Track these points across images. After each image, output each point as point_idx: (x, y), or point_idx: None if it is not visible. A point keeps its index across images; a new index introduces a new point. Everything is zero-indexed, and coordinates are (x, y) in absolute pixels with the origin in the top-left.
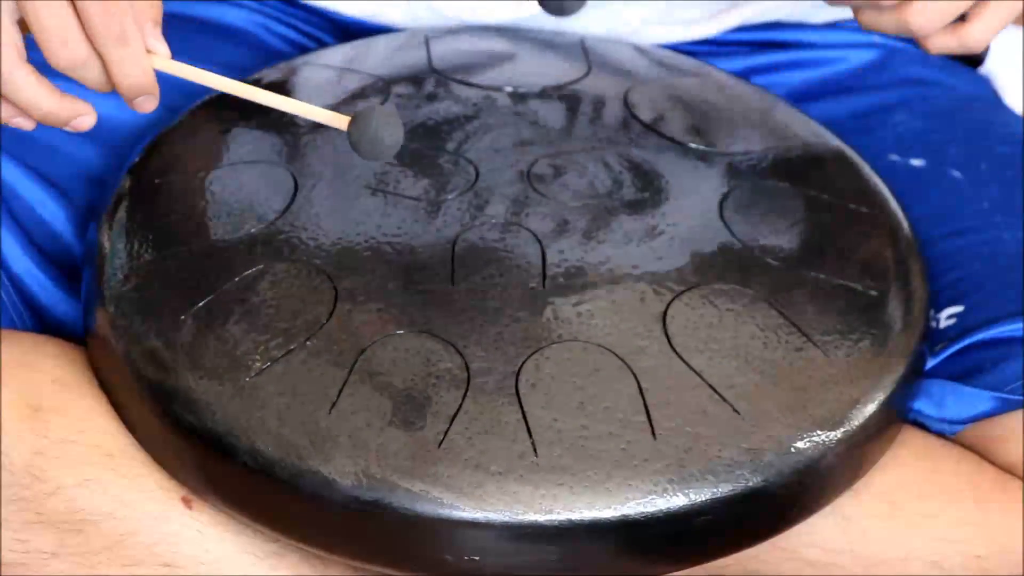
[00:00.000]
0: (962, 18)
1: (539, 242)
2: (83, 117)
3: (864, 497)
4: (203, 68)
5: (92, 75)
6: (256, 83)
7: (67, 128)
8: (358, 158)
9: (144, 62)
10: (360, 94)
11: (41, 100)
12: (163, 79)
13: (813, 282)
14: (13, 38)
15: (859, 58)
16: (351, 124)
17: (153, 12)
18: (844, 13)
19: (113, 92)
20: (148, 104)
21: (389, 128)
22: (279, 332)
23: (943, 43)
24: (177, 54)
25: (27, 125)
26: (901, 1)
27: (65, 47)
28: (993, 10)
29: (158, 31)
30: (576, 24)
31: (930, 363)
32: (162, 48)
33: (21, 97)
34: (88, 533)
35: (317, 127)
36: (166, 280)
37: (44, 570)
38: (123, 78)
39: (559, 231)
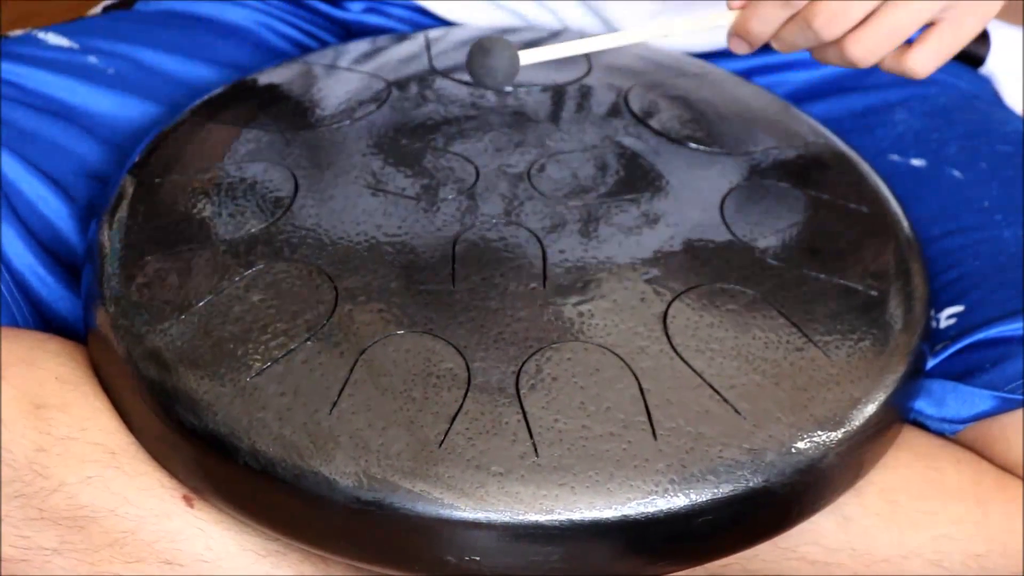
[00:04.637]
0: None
1: (540, 242)
2: None
3: (865, 496)
4: (196, 65)
5: None
6: (251, 83)
7: None
8: (359, 157)
9: None
10: (361, 94)
11: None
12: (168, 77)
13: (814, 282)
14: None
15: None
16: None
17: None
18: None
19: (115, 89)
20: None
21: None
22: (280, 332)
23: (887, 66)
24: (179, 51)
25: None
26: (842, 39)
27: None
28: (937, 36)
29: None
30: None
31: (930, 363)
32: None
33: None
34: (90, 530)
35: (321, 125)
36: (167, 279)
37: (45, 567)
38: None
39: (560, 231)
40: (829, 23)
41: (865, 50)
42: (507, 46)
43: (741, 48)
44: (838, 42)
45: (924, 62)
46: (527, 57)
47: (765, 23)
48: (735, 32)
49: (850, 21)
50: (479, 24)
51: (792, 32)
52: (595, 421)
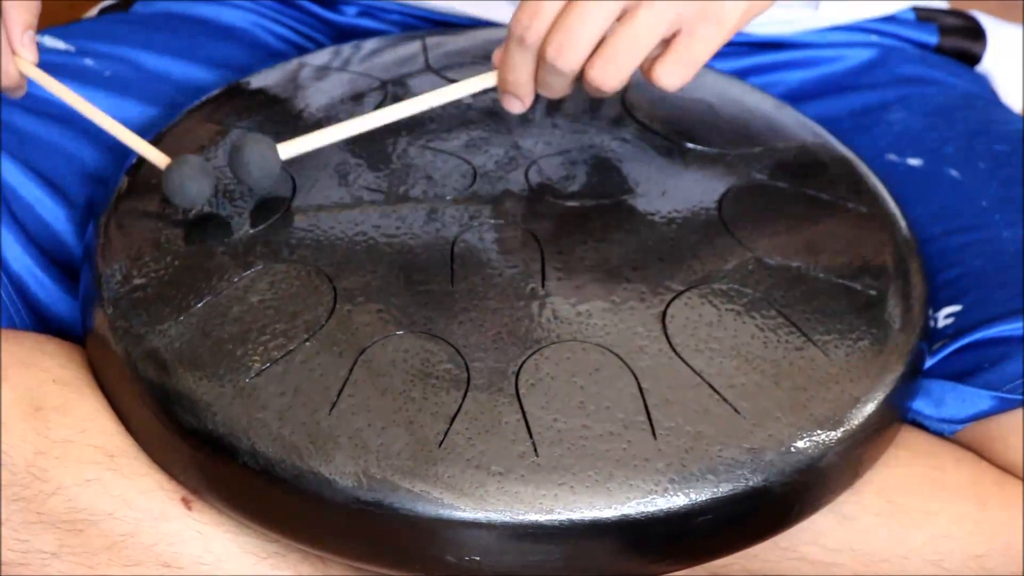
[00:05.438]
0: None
1: (538, 242)
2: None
3: (864, 495)
4: (193, 67)
5: None
6: (247, 84)
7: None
8: (357, 158)
9: (9, 66)
10: (357, 94)
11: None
12: (165, 79)
13: (812, 281)
14: None
15: (856, 57)
16: (167, 168)
17: (26, 16)
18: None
19: (112, 91)
20: (16, 93)
21: (196, 179)
22: (279, 333)
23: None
24: (174, 52)
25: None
26: (585, 69)
27: None
28: (675, 49)
29: (29, 35)
30: None
31: (928, 362)
32: (29, 54)
33: None
34: (88, 533)
35: (317, 127)
36: (165, 280)
37: (44, 570)
38: None
39: (558, 231)
40: (560, 55)
41: (606, 75)
42: (259, 143)
43: (514, 106)
44: (583, 73)
45: (669, 76)
46: (287, 151)
47: (515, 70)
48: (501, 89)
49: (580, 49)
50: (489, 16)
51: (543, 75)
52: (594, 420)
